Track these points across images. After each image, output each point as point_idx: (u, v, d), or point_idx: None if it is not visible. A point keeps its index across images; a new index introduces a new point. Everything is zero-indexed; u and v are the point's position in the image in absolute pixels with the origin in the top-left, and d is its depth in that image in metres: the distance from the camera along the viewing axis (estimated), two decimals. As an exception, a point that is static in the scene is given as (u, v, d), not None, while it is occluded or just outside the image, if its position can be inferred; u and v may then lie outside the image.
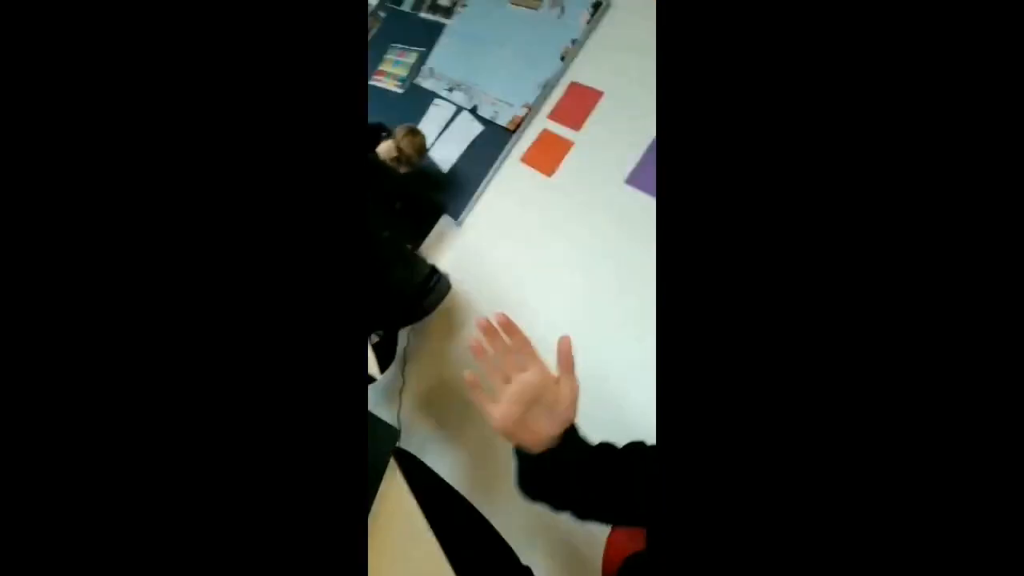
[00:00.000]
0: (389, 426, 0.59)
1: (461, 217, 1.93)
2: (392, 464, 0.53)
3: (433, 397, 1.77)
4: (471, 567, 0.52)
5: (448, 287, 1.56)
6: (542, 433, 0.49)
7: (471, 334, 0.55)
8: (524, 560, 0.73)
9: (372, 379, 0.75)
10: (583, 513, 0.50)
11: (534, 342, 0.50)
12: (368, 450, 0.54)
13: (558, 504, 0.50)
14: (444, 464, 1.59)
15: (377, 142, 2.00)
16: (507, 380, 0.49)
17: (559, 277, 1.42)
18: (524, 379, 0.48)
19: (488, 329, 0.49)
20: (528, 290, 1.45)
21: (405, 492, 0.51)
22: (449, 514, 0.66)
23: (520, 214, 1.62)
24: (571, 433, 0.51)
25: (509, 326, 0.49)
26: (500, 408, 0.48)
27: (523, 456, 0.50)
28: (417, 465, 0.73)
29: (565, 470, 0.49)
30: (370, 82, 2.37)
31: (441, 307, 1.48)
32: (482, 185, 1.78)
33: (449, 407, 1.74)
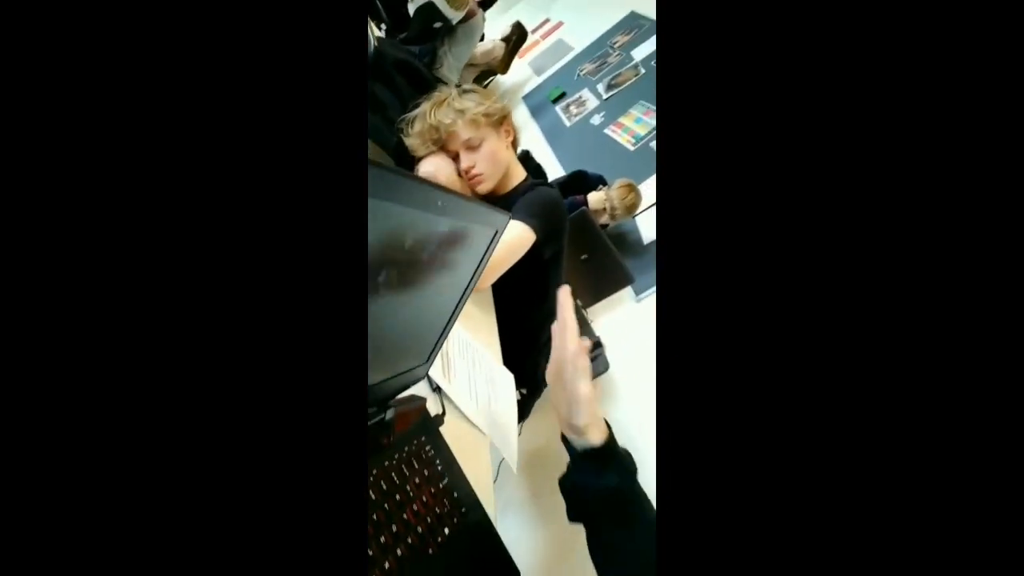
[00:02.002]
0: (512, 566, 0.48)
1: (644, 295, 1.80)
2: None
3: (540, 460, 1.66)
4: None
5: (606, 367, 1.44)
6: (559, 412, 0.50)
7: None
8: None
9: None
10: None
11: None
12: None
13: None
14: (518, 533, 1.47)
15: (590, 189, 1.99)
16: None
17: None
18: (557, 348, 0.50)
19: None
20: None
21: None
22: None
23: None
24: (581, 458, 0.49)
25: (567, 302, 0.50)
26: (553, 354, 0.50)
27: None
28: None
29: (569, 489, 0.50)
30: (605, 130, 2.38)
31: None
32: (682, 273, 1.62)
33: (550, 478, 1.62)
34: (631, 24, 2.83)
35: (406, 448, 0.49)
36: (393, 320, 0.43)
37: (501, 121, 1.05)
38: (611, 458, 0.47)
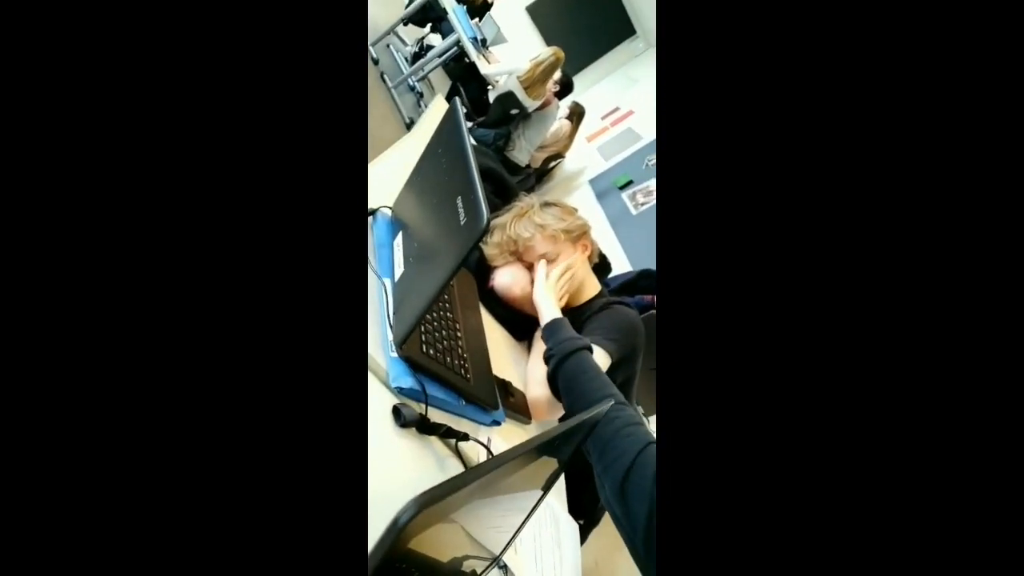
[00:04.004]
0: None
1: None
2: None
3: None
4: None
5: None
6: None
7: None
8: None
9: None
10: None
11: None
12: None
13: None
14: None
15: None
16: None
17: None
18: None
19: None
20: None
21: None
22: None
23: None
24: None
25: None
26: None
27: None
28: None
29: None
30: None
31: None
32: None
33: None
34: (704, 119, 2.86)
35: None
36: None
37: (580, 237, 1.03)
38: (550, 332, 0.78)
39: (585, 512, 1.06)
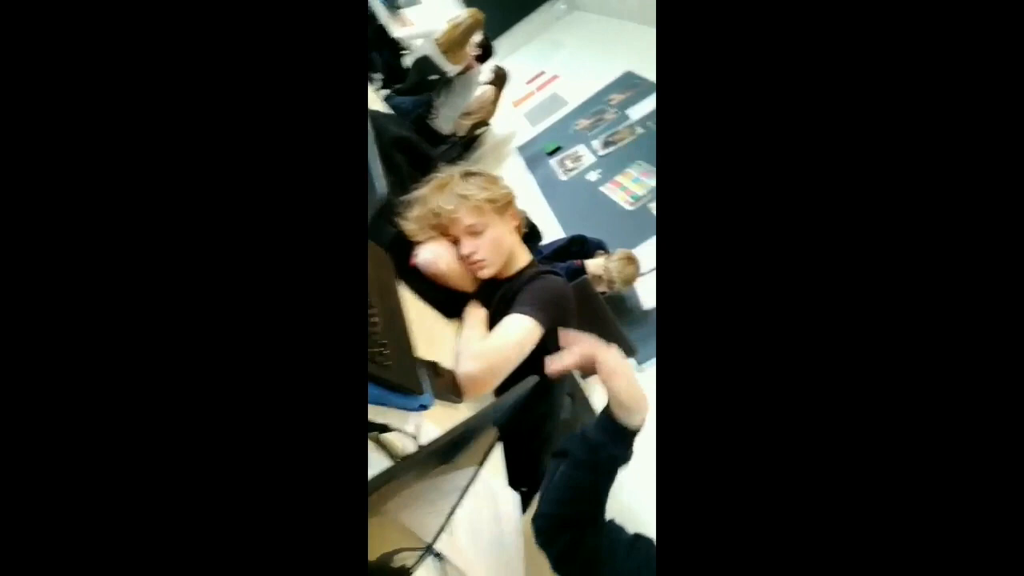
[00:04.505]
0: None
1: (646, 365, 1.74)
2: None
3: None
4: None
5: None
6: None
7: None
8: None
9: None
10: None
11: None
12: None
13: None
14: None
15: (589, 255, 1.94)
16: None
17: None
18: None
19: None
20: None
21: None
22: None
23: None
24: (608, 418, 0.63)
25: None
26: None
27: None
28: None
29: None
30: (601, 188, 2.36)
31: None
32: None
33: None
34: (628, 83, 2.87)
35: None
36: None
37: (506, 206, 1.00)
38: (619, 439, 0.61)
39: (526, 478, 1.07)
